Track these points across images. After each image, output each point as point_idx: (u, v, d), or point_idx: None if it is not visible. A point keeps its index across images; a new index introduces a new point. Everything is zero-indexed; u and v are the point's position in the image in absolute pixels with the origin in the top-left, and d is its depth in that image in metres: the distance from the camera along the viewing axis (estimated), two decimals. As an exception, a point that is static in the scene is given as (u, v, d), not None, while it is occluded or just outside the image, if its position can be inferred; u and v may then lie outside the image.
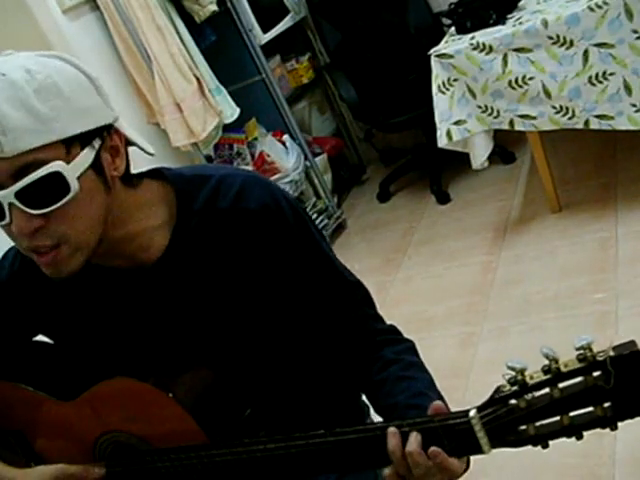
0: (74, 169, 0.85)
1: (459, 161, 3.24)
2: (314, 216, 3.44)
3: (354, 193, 4.01)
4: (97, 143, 0.88)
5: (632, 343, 0.71)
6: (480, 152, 2.81)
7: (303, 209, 1.07)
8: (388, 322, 1.11)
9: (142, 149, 0.98)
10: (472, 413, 0.78)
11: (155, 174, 1.02)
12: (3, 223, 0.86)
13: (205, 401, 1.00)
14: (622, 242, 2.53)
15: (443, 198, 3.44)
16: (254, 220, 0.99)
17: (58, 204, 0.84)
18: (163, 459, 0.99)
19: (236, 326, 1.03)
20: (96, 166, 0.88)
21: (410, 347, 1.09)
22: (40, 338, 1.14)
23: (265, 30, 3.32)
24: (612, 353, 0.70)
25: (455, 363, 2.33)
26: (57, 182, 0.84)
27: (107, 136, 0.90)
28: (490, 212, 3.16)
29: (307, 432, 0.89)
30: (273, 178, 3.27)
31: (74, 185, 0.85)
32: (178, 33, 2.97)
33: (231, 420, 1.01)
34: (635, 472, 1.71)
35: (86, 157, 0.87)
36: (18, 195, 0.83)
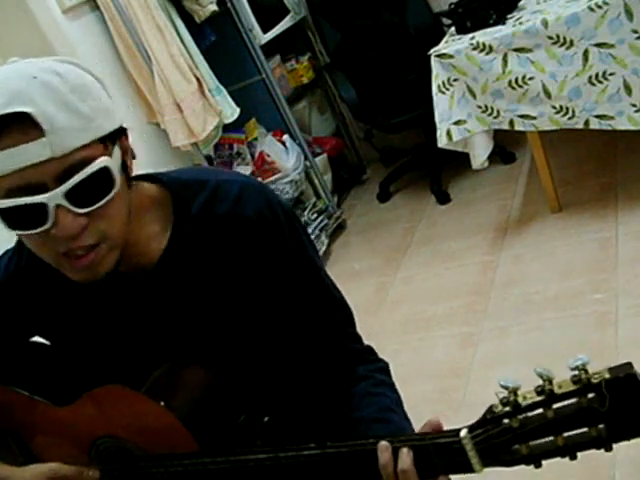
0: (115, 164, 0.87)
1: (459, 161, 3.25)
2: (314, 216, 3.44)
3: (354, 193, 4.01)
4: (119, 142, 0.90)
5: (628, 365, 0.69)
6: (480, 152, 2.81)
7: (298, 220, 1.07)
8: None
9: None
10: (463, 433, 0.77)
11: (150, 178, 1.02)
12: (41, 229, 0.84)
13: (200, 407, 1.00)
14: (622, 242, 2.53)
15: (443, 198, 3.44)
16: (250, 228, 0.99)
17: (104, 200, 0.86)
18: (157, 465, 0.99)
19: (229, 331, 1.03)
20: (123, 163, 0.91)
21: (383, 367, 1.10)
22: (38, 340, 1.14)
23: (265, 30, 3.32)
24: (607, 375, 0.69)
25: (455, 363, 2.33)
26: (104, 178, 0.85)
27: (123, 136, 0.93)
28: (490, 212, 3.16)
29: (299, 444, 0.89)
30: (273, 178, 3.28)
31: (117, 180, 0.87)
32: (178, 33, 2.97)
33: (226, 426, 1.01)
34: (635, 472, 1.71)
35: (118, 154, 0.89)
36: (68, 195, 0.83)
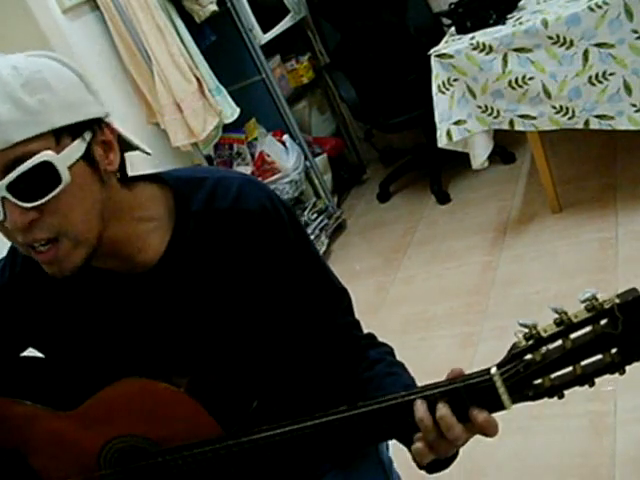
0: (64, 159, 0.85)
1: (459, 161, 3.25)
2: (314, 216, 3.44)
3: (354, 193, 4.01)
4: (88, 136, 0.89)
5: (634, 290, 0.75)
6: (480, 152, 2.81)
7: (294, 212, 1.08)
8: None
9: (139, 149, 0.99)
10: (493, 370, 0.81)
11: (152, 177, 1.02)
12: None
13: (211, 396, 0.99)
14: (622, 242, 2.53)
15: (443, 198, 3.44)
16: (253, 221, 1.00)
17: (50, 195, 0.85)
18: (176, 457, 0.99)
19: (234, 324, 1.03)
20: (88, 158, 0.89)
21: (391, 351, 1.12)
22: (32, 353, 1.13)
23: (265, 30, 3.33)
24: (618, 300, 0.74)
25: (455, 363, 2.30)
26: (48, 172, 0.84)
27: (98, 130, 0.91)
28: (490, 212, 3.16)
29: (328, 410, 0.89)
30: (273, 178, 3.28)
31: (65, 175, 0.85)
32: (178, 33, 2.98)
33: (238, 413, 1.01)
34: (635, 472, 1.71)
35: (77, 148, 0.87)
36: (10, 188, 0.83)
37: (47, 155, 0.84)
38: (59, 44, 2.81)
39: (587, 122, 2.51)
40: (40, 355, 1.12)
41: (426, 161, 3.66)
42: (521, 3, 2.73)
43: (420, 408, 0.84)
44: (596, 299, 0.75)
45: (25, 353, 1.13)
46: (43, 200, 0.85)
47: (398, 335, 2.57)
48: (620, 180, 2.91)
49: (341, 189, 3.94)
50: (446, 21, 3.07)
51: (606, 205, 2.78)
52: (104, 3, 2.92)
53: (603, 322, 0.75)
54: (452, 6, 2.80)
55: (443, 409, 0.83)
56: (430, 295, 2.78)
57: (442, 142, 2.76)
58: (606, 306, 0.74)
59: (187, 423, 0.97)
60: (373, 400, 0.87)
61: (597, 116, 2.48)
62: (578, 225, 2.75)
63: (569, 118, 2.52)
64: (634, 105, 2.41)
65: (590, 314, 0.75)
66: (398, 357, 1.12)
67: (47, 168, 0.84)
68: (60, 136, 0.86)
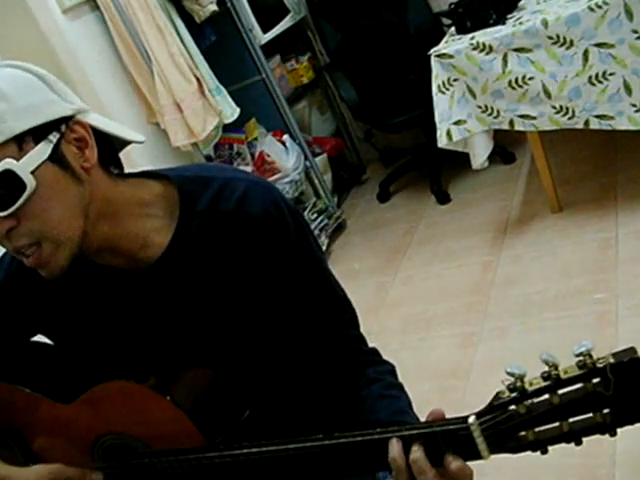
0: (26, 164, 0.86)
1: (459, 161, 3.25)
2: (314, 216, 3.44)
3: (354, 193, 4.01)
4: (54, 136, 0.89)
5: (632, 350, 0.70)
6: (480, 152, 2.81)
7: (304, 219, 1.07)
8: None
9: (130, 140, 0.99)
10: (471, 420, 0.78)
11: (157, 175, 1.02)
12: None
13: (204, 403, 1.00)
14: (622, 242, 2.53)
15: (443, 198, 3.44)
16: (256, 225, 0.99)
17: (19, 202, 0.86)
18: (162, 460, 1.00)
19: (232, 328, 1.03)
20: (56, 159, 0.89)
21: (391, 370, 1.11)
22: (39, 339, 1.14)
23: (265, 30, 3.33)
24: (612, 360, 0.70)
25: (455, 363, 2.33)
26: (12, 180, 0.85)
27: (67, 128, 0.91)
28: (490, 212, 3.16)
29: (305, 436, 0.89)
30: (273, 178, 3.28)
31: (29, 180, 0.86)
32: (178, 33, 2.98)
33: (230, 422, 1.01)
34: (635, 472, 1.71)
35: (41, 151, 0.88)
36: None
37: (7, 163, 0.85)
38: (59, 44, 2.80)
39: (587, 122, 2.51)
40: (49, 342, 1.13)
41: (426, 161, 3.66)
42: (521, 3, 2.73)
43: (395, 447, 0.83)
44: (590, 356, 0.70)
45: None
46: (13, 208, 0.86)
47: (398, 335, 2.58)
48: (620, 180, 2.91)
49: (341, 189, 3.94)
50: (446, 21, 3.07)
51: (606, 205, 2.78)
52: (104, 3, 2.92)
53: (595, 381, 0.71)
54: (452, 6, 2.80)
55: (417, 452, 0.81)
56: (430, 295, 2.78)
57: (442, 142, 2.76)
58: (599, 365, 0.70)
59: (172, 430, 0.98)
60: (350, 432, 0.86)
61: (597, 116, 2.48)
62: (578, 225, 2.75)
63: (569, 118, 2.52)
64: (634, 105, 2.41)
65: (580, 372, 0.71)
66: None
67: (10, 176, 0.85)
68: (22, 142, 0.87)
